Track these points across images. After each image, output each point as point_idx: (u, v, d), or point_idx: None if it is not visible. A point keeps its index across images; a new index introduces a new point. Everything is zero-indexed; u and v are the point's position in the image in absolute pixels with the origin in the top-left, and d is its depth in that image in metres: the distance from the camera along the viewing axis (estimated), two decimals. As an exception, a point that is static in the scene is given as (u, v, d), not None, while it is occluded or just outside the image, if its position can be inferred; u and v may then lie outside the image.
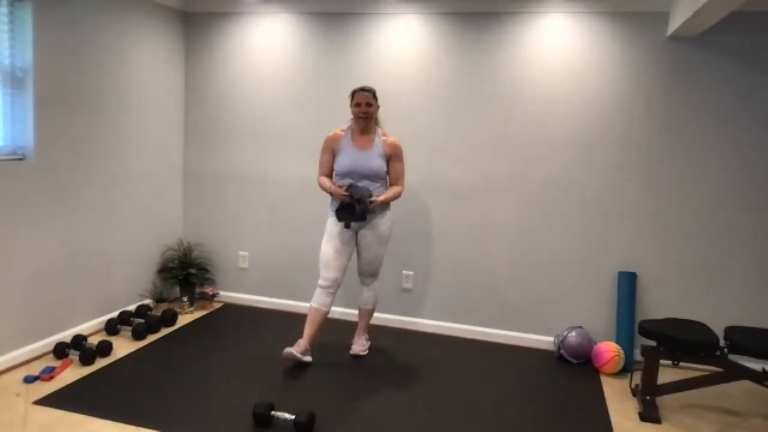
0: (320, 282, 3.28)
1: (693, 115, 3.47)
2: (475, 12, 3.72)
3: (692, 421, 2.88)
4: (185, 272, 4.17)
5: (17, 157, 3.10)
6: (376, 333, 3.91)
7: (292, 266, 4.25)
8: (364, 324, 3.55)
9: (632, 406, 3.01)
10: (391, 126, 3.94)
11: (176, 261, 4.23)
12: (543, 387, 3.19)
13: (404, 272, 4.03)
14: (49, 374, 2.96)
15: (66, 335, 3.43)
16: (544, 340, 3.81)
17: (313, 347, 3.46)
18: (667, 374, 3.42)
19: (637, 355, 3.54)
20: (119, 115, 3.74)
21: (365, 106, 3.22)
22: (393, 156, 3.30)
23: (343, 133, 3.32)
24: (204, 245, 4.45)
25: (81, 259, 3.51)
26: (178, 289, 4.26)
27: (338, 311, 4.15)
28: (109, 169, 3.68)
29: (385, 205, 3.33)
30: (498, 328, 3.89)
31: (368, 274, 3.43)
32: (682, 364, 3.54)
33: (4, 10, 3.03)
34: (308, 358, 3.30)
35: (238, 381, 3.06)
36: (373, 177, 3.23)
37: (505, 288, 3.85)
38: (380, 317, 4.09)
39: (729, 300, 3.51)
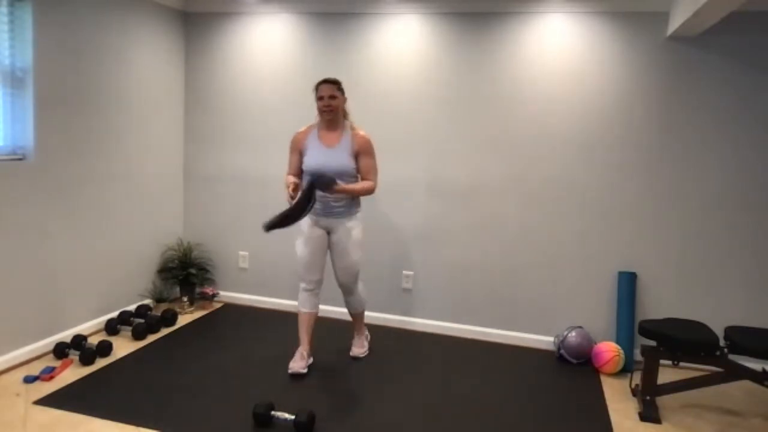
0: (304, 285, 3.21)
1: (693, 115, 3.47)
2: (475, 12, 3.72)
3: (692, 421, 2.88)
4: (185, 272, 4.17)
5: (17, 157, 3.10)
6: (376, 333, 3.91)
7: (292, 266, 4.24)
8: (359, 325, 3.52)
9: (632, 406, 3.01)
10: (391, 126, 3.95)
11: (176, 261, 4.23)
12: (543, 387, 3.19)
13: (404, 272, 4.03)
14: (49, 374, 2.96)
15: (66, 335, 3.43)
16: (544, 340, 3.81)
17: (313, 348, 3.46)
18: (667, 374, 3.42)
19: (637, 355, 3.54)
20: (119, 115, 3.74)
21: (328, 99, 3.03)
22: (362, 151, 3.11)
23: (310, 131, 3.16)
24: (204, 245, 4.45)
25: (81, 259, 3.51)
26: (178, 289, 4.26)
27: (338, 311, 4.15)
28: (109, 169, 3.68)
29: (355, 206, 3.18)
30: (498, 328, 3.89)
31: (347, 283, 3.24)
32: (682, 364, 3.54)
33: (4, 10, 3.03)
34: (310, 360, 3.30)
35: (238, 381, 3.06)
36: (341, 175, 3.05)
37: (505, 288, 3.85)
38: (380, 317, 4.09)
39: (729, 300, 3.51)
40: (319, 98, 3.06)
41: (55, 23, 3.20)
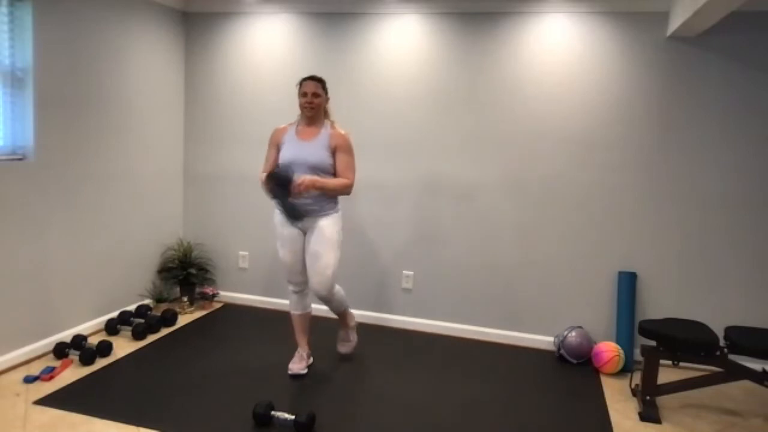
0: (291, 287, 3.19)
1: (693, 115, 3.47)
2: (475, 12, 3.72)
3: (692, 421, 2.88)
4: (185, 272, 4.17)
5: (17, 157, 3.10)
6: (376, 333, 3.91)
7: (292, 266, 4.24)
8: (343, 323, 3.42)
9: (632, 406, 3.01)
10: (391, 125, 3.95)
11: (176, 261, 4.23)
12: (543, 387, 3.19)
13: (404, 272, 4.03)
14: (49, 374, 2.96)
15: (66, 335, 3.43)
16: (544, 340, 3.81)
17: (313, 348, 3.46)
18: (667, 374, 3.42)
19: (637, 355, 3.54)
20: (119, 115, 3.74)
21: (311, 96, 2.99)
22: (339, 148, 3.01)
23: (289, 126, 3.12)
24: (204, 245, 4.45)
25: (81, 259, 3.51)
26: (178, 289, 4.26)
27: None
28: (108, 169, 3.68)
29: (329, 202, 3.04)
30: (498, 328, 3.89)
31: (321, 291, 3.04)
32: (682, 364, 3.54)
33: (4, 10, 3.03)
34: (310, 361, 3.30)
35: (238, 381, 3.06)
36: (315, 169, 2.96)
37: (505, 288, 3.85)
38: (380, 317, 4.09)
39: (729, 300, 3.51)
40: (303, 94, 3.01)
41: (55, 23, 3.20)
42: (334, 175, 3.04)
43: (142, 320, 3.69)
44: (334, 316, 4.13)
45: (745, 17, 3.33)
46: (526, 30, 3.66)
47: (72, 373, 3.05)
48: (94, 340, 3.50)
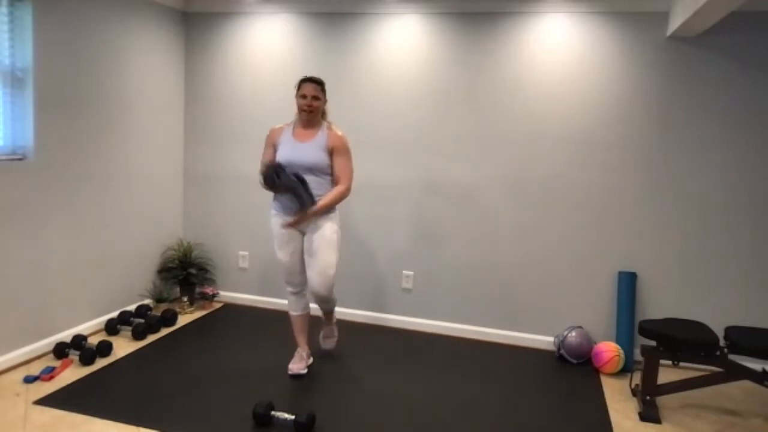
0: (289, 289, 3.17)
1: (693, 115, 3.47)
2: (475, 12, 3.72)
3: (692, 421, 2.88)
4: (185, 272, 4.17)
5: (17, 157, 3.10)
6: (376, 333, 3.91)
7: (292, 266, 4.24)
8: (328, 320, 3.40)
9: (632, 406, 3.01)
10: (390, 125, 3.95)
11: (176, 261, 4.23)
12: (543, 387, 3.19)
13: (404, 272, 4.03)
14: (49, 374, 2.96)
15: (66, 335, 3.43)
16: (544, 340, 3.80)
17: (312, 348, 3.46)
18: (667, 374, 3.42)
19: (637, 355, 3.54)
20: (119, 115, 3.74)
21: (311, 99, 2.95)
22: (336, 149, 2.99)
23: (286, 127, 3.09)
24: (204, 245, 4.45)
25: (81, 259, 3.51)
26: (178, 289, 4.26)
27: (337, 311, 4.14)
28: (109, 169, 3.68)
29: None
30: (498, 328, 3.89)
31: (322, 292, 3.05)
32: (682, 364, 3.54)
33: (4, 10, 3.03)
34: (310, 360, 3.30)
35: (238, 381, 3.06)
36: (313, 170, 2.95)
37: (505, 288, 3.85)
38: (380, 317, 4.09)
39: (729, 300, 3.51)
40: (302, 96, 2.97)
41: (55, 23, 3.20)
42: (332, 175, 3.04)
43: (142, 320, 3.69)
44: (338, 316, 4.14)
45: (745, 17, 3.33)
46: (526, 30, 3.66)
47: (72, 373, 3.05)
48: (94, 340, 3.50)
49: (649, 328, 2.92)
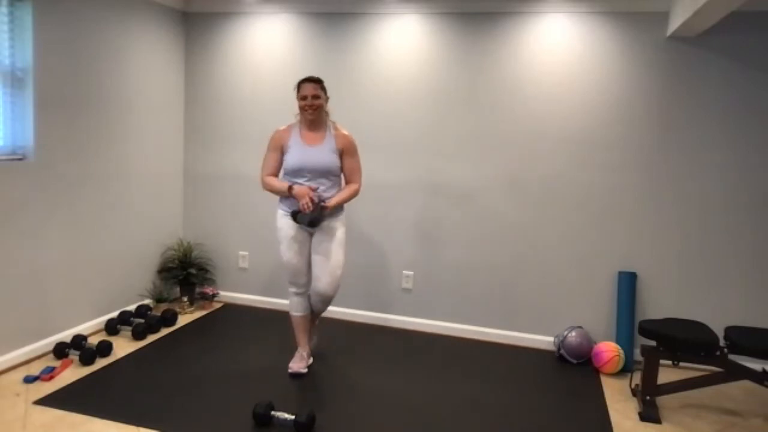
0: (293, 290, 3.17)
1: (693, 115, 3.47)
2: (475, 12, 3.72)
3: (692, 421, 2.88)
4: (185, 272, 4.17)
5: (17, 157, 3.10)
6: (376, 333, 3.91)
7: (292, 266, 4.24)
8: (314, 320, 3.38)
9: (632, 406, 3.01)
10: (390, 125, 3.95)
11: (176, 261, 4.23)
12: (543, 387, 3.19)
13: (404, 272, 4.03)
14: (49, 374, 2.96)
15: (66, 335, 3.43)
16: (544, 340, 3.81)
17: (312, 348, 3.46)
18: (667, 374, 3.42)
19: (637, 355, 3.54)
20: (119, 115, 3.74)
21: (312, 99, 2.93)
22: (346, 151, 3.02)
23: (291, 129, 3.06)
24: (204, 245, 4.45)
25: (81, 259, 3.51)
26: (178, 289, 4.26)
27: (337, 311, 4.15)
28: (109, 169, 3.68)
29: (340, 206, 3.07)
30: (498, 328, 3.89)
31: (330, 292, 3.08)
32: (682, 364, 3.54)
33: (4, 10, 3.03)
34: (310, 360, 3.30)
35: (238, 381, 3.06)
36: (325, 174, 2.97)
37: (505, 288, 3.85)
38: (380, 317, 4.09)
39: (729, 300, 3.51)
40: (302, 97, 2.96)
41: (55, 23, 3.20)
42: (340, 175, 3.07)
43: (142, 320, 3.69)
44: (333, 315, 4.14)
45: (745, 17, 3.33)
46: (526, 30, 3.66)
47: (72, 373, 3.05)
48: (94, 340, 3.50)
49: (649, 328, 2.92)
